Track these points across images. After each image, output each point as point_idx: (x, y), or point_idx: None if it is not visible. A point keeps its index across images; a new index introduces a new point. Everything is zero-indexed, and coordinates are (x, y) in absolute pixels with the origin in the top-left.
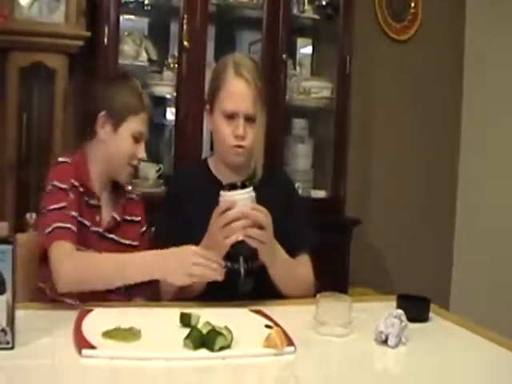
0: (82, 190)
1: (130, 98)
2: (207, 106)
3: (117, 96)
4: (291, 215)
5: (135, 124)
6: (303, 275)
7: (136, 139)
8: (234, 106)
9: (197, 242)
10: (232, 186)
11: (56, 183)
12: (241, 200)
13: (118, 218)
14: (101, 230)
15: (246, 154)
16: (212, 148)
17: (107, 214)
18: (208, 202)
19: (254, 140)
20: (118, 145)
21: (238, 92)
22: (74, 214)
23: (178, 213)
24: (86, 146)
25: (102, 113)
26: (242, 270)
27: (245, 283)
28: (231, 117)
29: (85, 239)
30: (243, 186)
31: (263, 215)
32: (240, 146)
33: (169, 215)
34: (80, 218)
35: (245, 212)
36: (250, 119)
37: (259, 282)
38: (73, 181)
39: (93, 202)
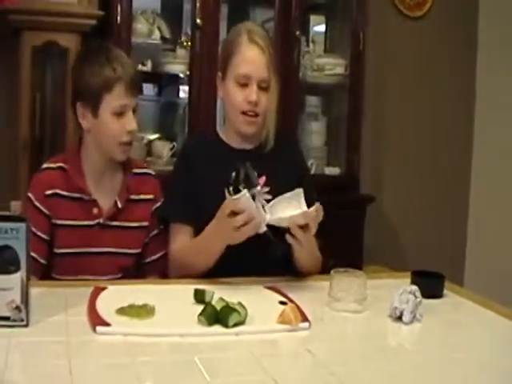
0: (65, 193)
1: (98, 75)
2: (219, 73)
3: (85, 80)
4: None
5: (112, 100)
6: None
7: (119, 114)
8: (247, 71)
9: (208, 207)
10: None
11: (30, 195)
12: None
13: (120, 205)
14: (101, 220)
15: (257, 123)
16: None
17: (109, 201)
18: (220, 167)
19: (267, 108)
20: (102, 129)
21: (252, 57)
22: (39, 234)
23: (190, 177)
24: (78, 139)
25: (78, 104)
26: (271, 236)
27: (275, 249)
28: (244, 83)
29: (85, 236)
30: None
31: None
32: (253, 114)
33: (180, 180)
34: (69, 221)
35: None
36: (262, 86)
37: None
38: (48, 192)
39: (86, 197)
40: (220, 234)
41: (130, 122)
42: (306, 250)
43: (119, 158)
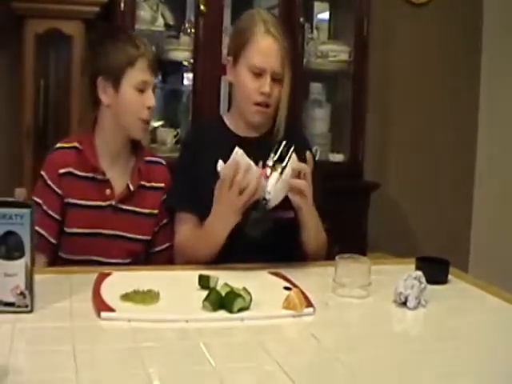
0: (78, 173)
1: (122, 51)
2: (229, 58)
3: (108, 55)
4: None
5: (134, 75)
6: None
7: (140, 90)
8: (262, 62)
9: (214, 194)
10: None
11: (43, 173)
12: (237, 158)
13: (132, 188)
14: (113, 202)
15: (267, 114)
16: (229, 104)
17: (122, 184)
18: (224, 154)
19: (278, 99)
20: (123, 103)
21: (268, 49)
22: (50, 212)
23: (194, 164)
24: (92, 119)
25: (100, 78)
26: (255, 213)
27: (254, 226)
28: (258, 73)
29: (96, 217)
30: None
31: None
32: (265, 105)
33: (184, 169)
34: (81, 201)
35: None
36: (276, 78)
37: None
38: (61, 170)
39: (100, 177)
40: (223, 212)
41: (150, 99)
42: (313, 222)
43: (137, 134)
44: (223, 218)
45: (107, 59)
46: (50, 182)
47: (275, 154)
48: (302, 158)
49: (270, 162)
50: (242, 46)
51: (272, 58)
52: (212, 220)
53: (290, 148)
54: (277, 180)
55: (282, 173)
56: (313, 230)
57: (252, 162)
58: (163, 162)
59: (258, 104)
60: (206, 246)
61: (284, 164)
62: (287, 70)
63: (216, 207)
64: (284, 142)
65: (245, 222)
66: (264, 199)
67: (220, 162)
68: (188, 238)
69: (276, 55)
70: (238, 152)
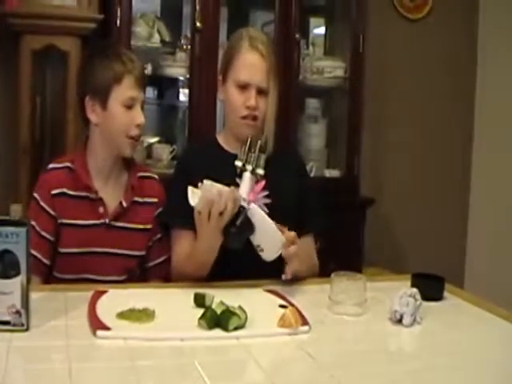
0: (71, 193)
1: (108, 68)
2: (219, 77)
3: (95, 73)
4: (301, 196)
5: (121, 91)
6: (310, 258)
7: (128, 107)
8: (247, 77)
9: None
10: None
11: (35, 195)
12: (207, 190)
13: (125, 204)
14: (107, 220)
15: (256, 127)
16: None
17: (115, 201)
18: (217, 174)
19: (265, 112)
20: (111, 121)
21: (252, 63)
22: (43, 234)
23: (188, 183)
24: (83, 138)
25: (87, 97)
26: (239, 222)
27: (235, 238)
28: (244, 87)
29: (90, 236)
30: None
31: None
32: (253, 117)
33: (179, 187)
34: (75, 221)
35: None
36: (262, 92)
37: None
38: (54, 191)
39: (92, 195)
40: (207, 237)
41: (139, 116)
42: (303, 264)
43: (127, 152)
44: (209, 241)
45: (94, 77)
46: (42, 204)
47: (243, 152)
48: (298, 176)
49: (238, 163)
50: (229, 62)
51: (257, 72)
52: (199, 244)
53: (256, 144)
54: (249, 180)
55: (253, 171)
56: (302, 271)
57: (222, 186)
58: (156, 176)
59: (245, 117)
60: (198, 266)
61: (253, 161)
62: (273, 83)
63: (199, 234)
64: (249, 139)
65: (226, 236)
66: (242, 207)
67: (190, 189)
68: (184, 258)
69: (261, 70)
70: (205, 185)
